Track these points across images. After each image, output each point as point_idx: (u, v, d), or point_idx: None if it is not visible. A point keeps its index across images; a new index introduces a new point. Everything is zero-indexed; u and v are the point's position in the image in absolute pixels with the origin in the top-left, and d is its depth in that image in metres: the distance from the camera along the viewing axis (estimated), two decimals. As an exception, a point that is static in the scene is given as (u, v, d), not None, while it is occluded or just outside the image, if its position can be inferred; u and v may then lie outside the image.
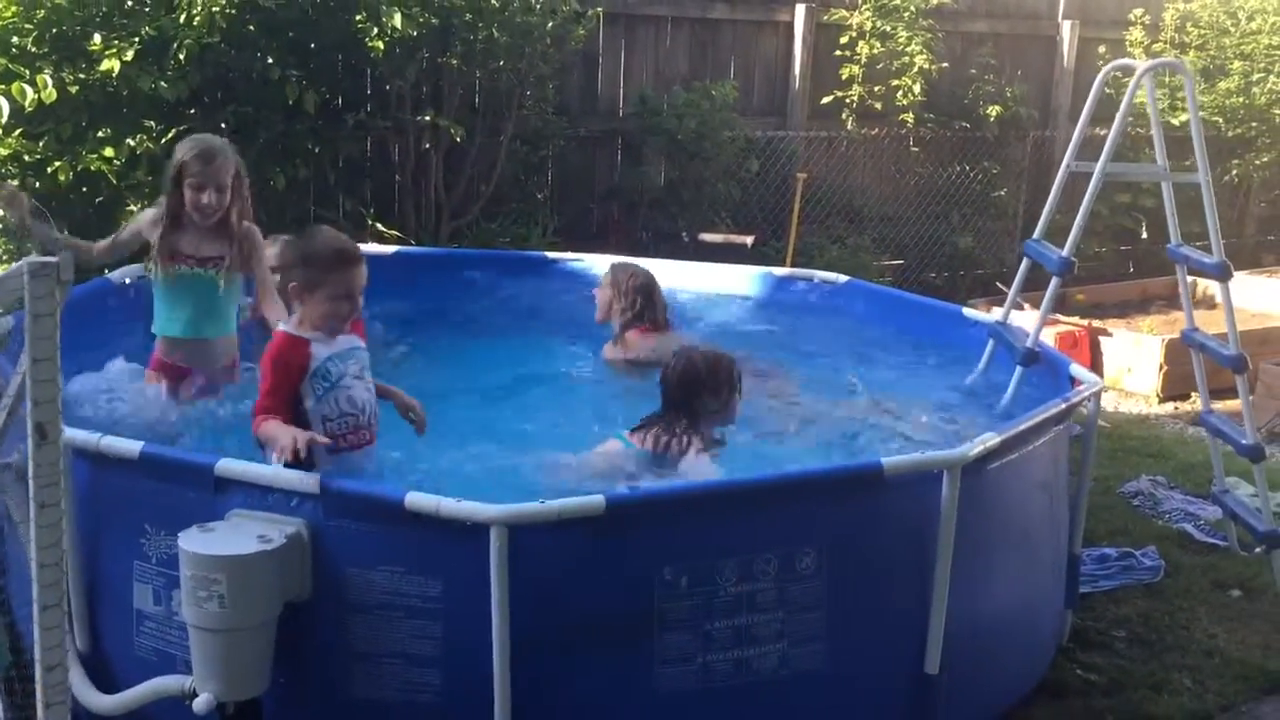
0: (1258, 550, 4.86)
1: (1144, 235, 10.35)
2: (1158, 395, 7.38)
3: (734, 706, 3.07)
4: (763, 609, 3.04)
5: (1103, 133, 4.57)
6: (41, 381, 2.04)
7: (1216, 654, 4.16)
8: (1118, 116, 4.40)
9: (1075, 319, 7.92)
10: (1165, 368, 7.33)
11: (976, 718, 3.53)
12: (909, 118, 9.23)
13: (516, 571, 2.82)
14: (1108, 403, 7.32)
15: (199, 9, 6.04)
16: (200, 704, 2.81)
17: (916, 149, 9.60)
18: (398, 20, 6.34)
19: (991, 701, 3.61)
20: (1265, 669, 4.07)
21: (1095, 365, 7.64)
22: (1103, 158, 4.33)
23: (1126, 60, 4.61)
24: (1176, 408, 7.25)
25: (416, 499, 2.85)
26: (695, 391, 3.88)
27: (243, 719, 2.86)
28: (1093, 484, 5.70)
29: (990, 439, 3.33)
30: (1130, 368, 7.52)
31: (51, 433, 2.06)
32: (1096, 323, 7.90)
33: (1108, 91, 4.56)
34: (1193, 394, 7.25)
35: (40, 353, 2.03)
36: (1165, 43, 10.31)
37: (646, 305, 4.98)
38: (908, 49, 9.06)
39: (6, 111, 5.60)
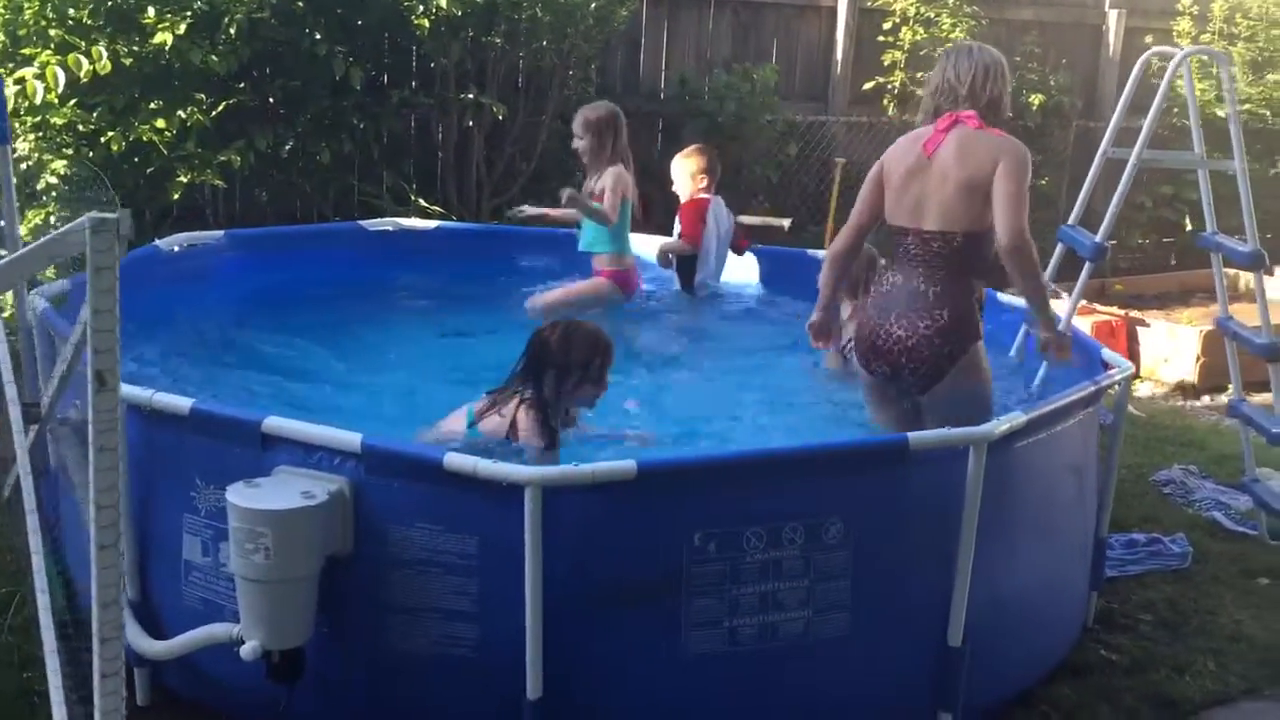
0: (1287, 539, 4.90)
1: (1188, 227, 10.28)
2: (1194, 386, 7.36)
3: (759, 670, 3.14)
4: (789, 576, 3.11)
5: (1142, 122, 4.61)
6: (102, 331, 2.14)
7: (1242, 639, 4.18)
8: (1155, 103, 4.43)
9: (1113, 309, 7.91)
10: (1202, 359, 7.32)
11: (999, 692, 3.59)
12: (951, 104, 9.21)
13: (550, 532, 2.90)
14: (1144, 392, 7.33)
15: (250, -16, 6.17)
16: (247, 651, 2.92)
17: (958, 136, 9.56)
18: (443, -1, 6.46)
19: (1015, 677, 3.66)
20: (1289, 654, 4.10)
21: (1132, 355, 7.62)
22: (1139, 144, 4.36)
23: (1165, 47, 4.62)
24: (1212, 399, 7.24)
25: (454, 459, 2.94)
26: (543, 363, 3.76)
27: (286, 666, 2.97)
28: (1124, 471, 5.75)
29: (1017, 417, 3.38)
30: (1167, 358, 7.51)
31: (110, 380, 2.17)
32: (1135, 313, 7.89)
33: (1153, 81, 4.56)
34: (1229, 386, 7.24)
35: (101, 304, 2.13)
36: (1214, 33, 10.25)
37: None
38: (951, 36, 9.05)
39: (63, 82, 5.74)
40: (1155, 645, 4.12)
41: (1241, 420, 4.90)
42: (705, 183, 5.86)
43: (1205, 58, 7.85)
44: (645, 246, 5.94)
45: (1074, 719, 3.64)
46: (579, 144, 5.56)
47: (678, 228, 5.93)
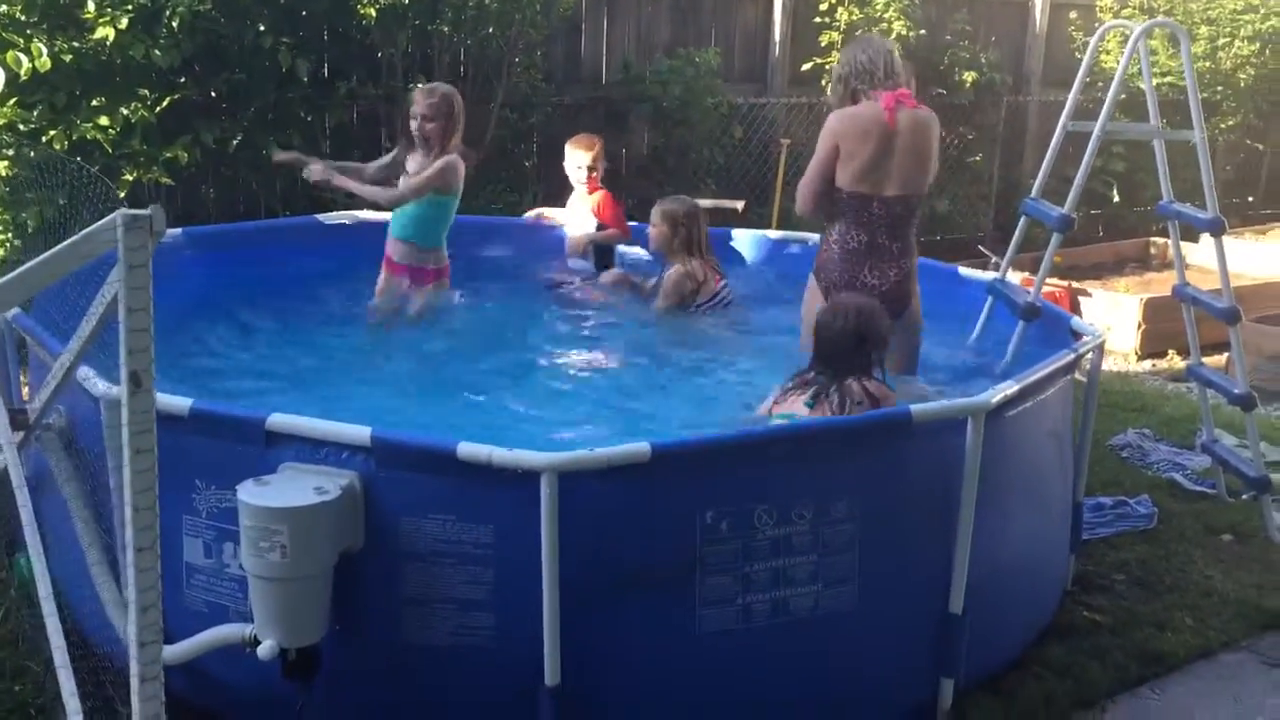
0: (1245, 496, 5.06)
1: (1115, 199, 10.53)
2: (1136, 353, 7.57)
3: (772, 646, 3.18)
4: (799, 552, 3.15)
5: (1061, 98, 4.69)
6: (136, 331, 2.10)
7: (1214, 594, 4.32)
8: (1116, 76, 4.53)
9: (1054, 280, 8.08)
10: (1144, 326, 7.53)
11: (996, 656, 3.67)
12: (887, 84, 9.32)
13: (566, 517, 2.90)
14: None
15: (191, -24, 6.04)
16: (264, 651, 2.88)
17: (894, 115, 9.68)
18: (389, -13, 6.38)
19: (1009, 640, 3.75)
20: (1261, 606, 4.23)
21: (1075, 325, 7.81)
22: (1102, 116, 4.46)
23: (1122, 20, 4.72)
24: (1154, 365, 7.45)
25: (468, 448, 2.93)
26: (860, 342, 3.77)
27: (303, 665, 2.94)
28: (1084, 437, 5.90)
29: (1009, 387, 3.45)
30: (1109, 326, 7.68)
31: (145, 381, 2.13)
32: (1076, 284, 8.07)
33: (1078, 56, 4.68)
34: (1170, 351, 7.46)
35: (135, 303, 2.09)
36: (1134, 8, 10.48)
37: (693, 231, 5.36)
38: (885, 15, 9.16)
39: (2, 80, 5.58)
40: (1134, 604, 4.24)
41: (1201, 383, 5.05)
42: (600, 170, 5.90)
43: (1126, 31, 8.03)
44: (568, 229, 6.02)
45: (1067, 678, 3.73)
46: (428, 126, 5.19)
47: (591, 220, 5.89)
